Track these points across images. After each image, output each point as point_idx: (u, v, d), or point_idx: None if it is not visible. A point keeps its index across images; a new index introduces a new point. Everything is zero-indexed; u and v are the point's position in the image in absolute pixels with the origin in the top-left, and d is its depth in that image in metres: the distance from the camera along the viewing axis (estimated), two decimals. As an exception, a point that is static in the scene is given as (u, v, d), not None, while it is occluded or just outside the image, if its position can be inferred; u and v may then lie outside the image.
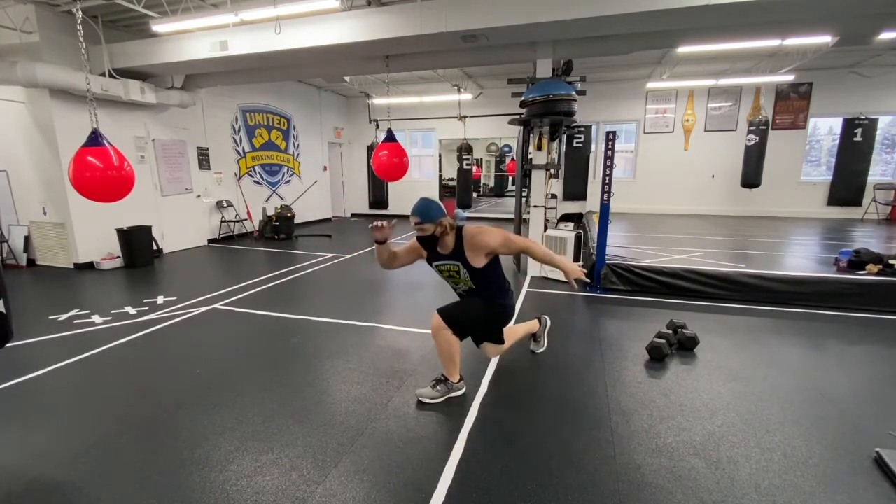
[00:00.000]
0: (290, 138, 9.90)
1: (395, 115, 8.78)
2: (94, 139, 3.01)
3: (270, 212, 8.74)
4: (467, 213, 2.75)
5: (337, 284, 5.18)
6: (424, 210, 2.38)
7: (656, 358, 3.00)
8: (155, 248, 6.54)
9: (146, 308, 4.23)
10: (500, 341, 2.72)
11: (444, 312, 2.46)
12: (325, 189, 11.29)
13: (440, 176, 12.26)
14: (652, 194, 10.04)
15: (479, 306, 2.54)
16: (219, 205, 8.11)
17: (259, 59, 5.45)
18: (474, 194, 14.86)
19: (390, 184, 11.44)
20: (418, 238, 2.49)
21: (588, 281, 2.25)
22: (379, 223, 2.44)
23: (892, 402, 2.48)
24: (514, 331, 2.89)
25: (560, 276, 5.10)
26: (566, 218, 6.17)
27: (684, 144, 9.82)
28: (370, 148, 10.01)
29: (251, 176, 8.94)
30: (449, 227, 2.44)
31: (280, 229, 8.35)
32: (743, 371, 2.85)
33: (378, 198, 11.96)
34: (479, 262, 2.43)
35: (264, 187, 9.30)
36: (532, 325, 3.11)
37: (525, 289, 4.83)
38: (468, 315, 2.53)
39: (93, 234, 5.97)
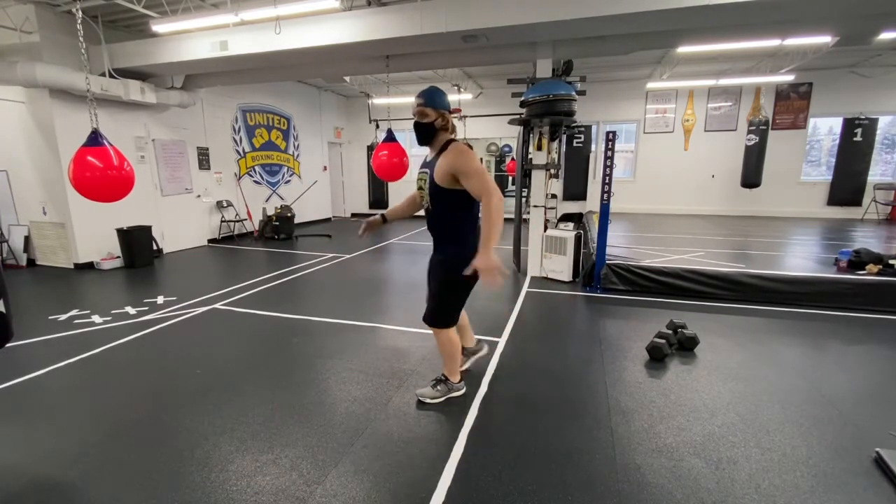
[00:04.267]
0: (290, 138, 9.90)
1: (395, 115, 8.78)
2: (94, 139, 3.00)
3: (270, 212, 8.73)
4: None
5: (337, 284, 5.18)
6: (431, 94, 2.17)
7: (656, 358, 3.00)
8: (155, 248, 6.54)
9: (146, 308, 4.23)
10: (431, 309, 2.36)
11: (426, 312, 2.40)
12: (325, 189, 11.29)
13: (440, 176, 12.25)
14: (652, 194, 10.04)
15: (435, 273, 2.38)
16: (219, 205, 8.11)
17: (259, 59, 5.45)
18: (474, 194, 14.82)
19: (390, 184, 11.47)
20: (415, 126, 2.23)
21: (493, 288, 1.99)
22: (363, 229, 2.41)
23: (892, 402, 2.48)
24: (453, 342, 2.46)
25: (561, 276, 5.10)
26: (566, 218, 6.18)
27: (684, 144, 9.82)
28: (370, 148, 10.03)
29: (251, 176, 8.94)
30: (451, 127, 2.22)
31: (280, 229, 8.35)
32: (743, 371, 2.85)
33: (378, 198, 11.99)
34: (442, 177, 2.13)
35: (264, 187, 9.30)
36: (471, 339, 2.82)
37: (525, 289, 4.83)
38: (431, 289, 2.43)
39: (93, 234, 5.97)
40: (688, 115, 9.68)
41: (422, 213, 2.42)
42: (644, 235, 6.88)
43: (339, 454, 2.04)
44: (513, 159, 12.83)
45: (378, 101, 9.76)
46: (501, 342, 3.33)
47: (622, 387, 2.66)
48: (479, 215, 2.16)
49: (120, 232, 5.98)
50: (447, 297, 2.34)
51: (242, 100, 8.55)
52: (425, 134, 2.23)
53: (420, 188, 2.33)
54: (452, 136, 2.26)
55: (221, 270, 6.08)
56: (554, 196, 6.87)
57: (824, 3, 3.82)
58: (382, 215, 2.61)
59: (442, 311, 2.36)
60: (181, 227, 7.34)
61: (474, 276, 2.20)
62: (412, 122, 2.27)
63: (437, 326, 2.37)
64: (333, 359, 3.07)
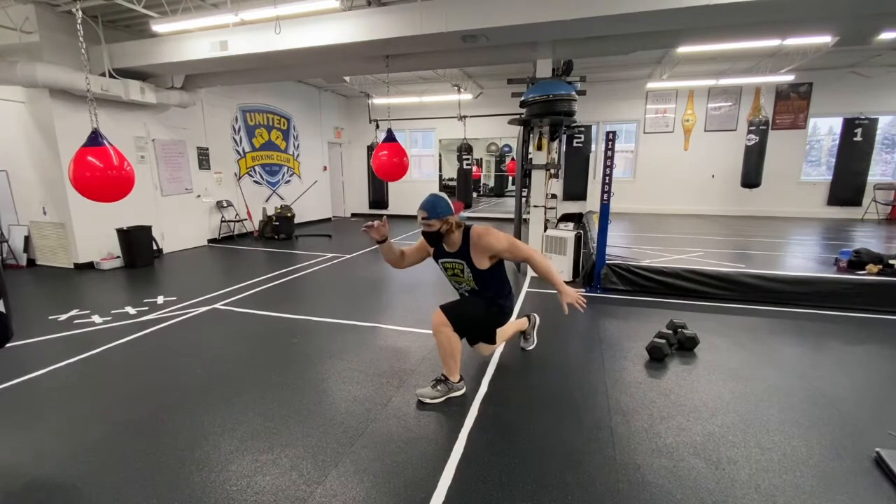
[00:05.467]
0: (290, 138, 9.90)
1: (395, 115, 8.77)
2: (94, 139, 3.00)
3: (270, 212, 8.74)
4: (466, 214, 2.78)
5: (337, 284, 5.18)
6: (432, 206, 2.40)
7: (656, 358, 3.00)
8: (155, 248, 6.54)
9: (146, 308, 4.23)
10: (493, 341, 2.77)
11: (447, 309, 2.47)
12: (325, 189, 11.29)
13: (440, 176, 12.27)
14: (652, 194, 10.03)
15: (481, 306, 2.56)
16: (219, 205, 8.11)
17: (259, 59, 5.45)
18: (474, 194, 14.88)
19: (390, 184, 11.47)
20: (423, 234, 2.50)
21: (583, 310, 2.30)
22: (370, 223, 2.46)
23: (892, 402, 2.48)
24: (504, 330, 2.91)
25: (561, 277, 5.09)
26: (566, 218, 6.18)
27: (684, 144, 9.82)
28: (370, 148, 10.02)
29: (251, 176, 8.94)
30: (455, 226, 2.45)
31: (280, 229, 8.35)
32: (743, 371, 2.85)
33: (378, 198, 11.97)
34: (483, 263, 2.45)
35: (264, 187, 9.30)
36: (521, 324, 3.16)
37: (525, 289, 4.83)
38: (469, 314, 2.55)
39: (93, 234, 5.97)
40: (688, 115, 9.68)
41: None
42: (644, 235, 6.88)
43: (339, 454, 2.04)
44: (513, 159, 12.80)
45: (378, 101, 9.76)
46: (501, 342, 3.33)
47: (622, 387, 2.66)
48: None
49: (120, 232, 5.98)
50: (479, 317, 2.56)
51: (242, 100, 8.55)
52: (435, 239, 2.50)
53: (455, 274, 2.57)
54: (462, 225, 2.47)
55: (221, 270, 6.08)
56: (554, 196, 6.87)
57: (824, 3, 3.81)
58: (388, 240, 2.59)
59: (463, 317, 2.50)
60: (181, 227, 7.34)
61: (501, 319, 2.67)
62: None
63: (448, 319, 2.43)
64: (333, 359, 3.07)
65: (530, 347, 3.19)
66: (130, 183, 3.13)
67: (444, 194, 2.48)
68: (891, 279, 3.99)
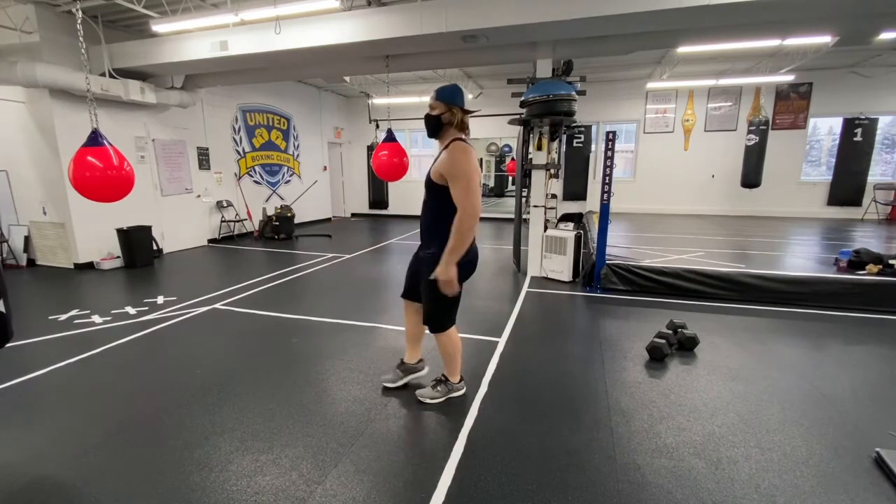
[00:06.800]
0: (290, 138, 9.90)
1: (396, 115, 8.78)
2: (94, 139, 3.00)
3: (270, 212, 8.74)
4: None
5: (337, 284, 5.18)
6: (443, 89, 2.23)
7: (656, 358, 3.00)
8: (155, 248, 6.54)
9: (146, 308, 4.22)
10: (428, 312, 2.31)
11: (424, 315, 2.35)
12: (325, 189, 11.28)
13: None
14: (652, 194, 10.03)
15: (422, 272, 2.29)
16: (219, 205, 8.11)
17: (259, 59, 5.45)
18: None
19: (390, 184, 11.47)
20: (425, 119, 2.29)
21: (450, 293, 2.07)
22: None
23: (892, 402, 2.48)
24: (454, 343, 2.41)
25: (561, 276, 5.10)
26: (566, 218, 6.17)
27: (684, 144, 9.82)
28: (370, 148, 10.03)
29: (251, 176, 8.94)
30: (457, 123, 2.21)
31: (280, 229, 8.35)
32: (743, 371, 2.85)
33: (378, 198, 12.00)
34: (437, 174, 2.16)
35: (264, 187, 9.30)
36: (455, 364, 2.49)
37: (525, 289, 4.83)
38: (423, 291, 2.30)
39: (93, 234, 5.97)
40: (688, 115, 9.68)
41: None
42: (644, 235, 6.88)
43: (339, 454, 2.04)
44: (513, 159, 12.80)
45: (378, 101, 9.76)
46: (501, 342, 3.33)
47: (622, 387, 2.66)
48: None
49: (120, 232, 5.98)
50: (439, 299, 2.22)
51: (242, 100, 8.55)
52: (431, 126, 2.29)
53: None
54: (461, 136, 2.25)
55: (221, 270, 6.08)
56: (554, 196, 6.87)
57: (824, 3, 3.81)
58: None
59: (438, 313, 2.31)
60: (181, 227, 7.33)
61: (464, 277, 2.23)
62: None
63: (438, 330, 2.34)
64: (333, 359, 3.07)
65: (427, 399, 2.48)
66: (130, 183, 3.12)
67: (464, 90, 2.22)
68: (891, 279, 3.99)
